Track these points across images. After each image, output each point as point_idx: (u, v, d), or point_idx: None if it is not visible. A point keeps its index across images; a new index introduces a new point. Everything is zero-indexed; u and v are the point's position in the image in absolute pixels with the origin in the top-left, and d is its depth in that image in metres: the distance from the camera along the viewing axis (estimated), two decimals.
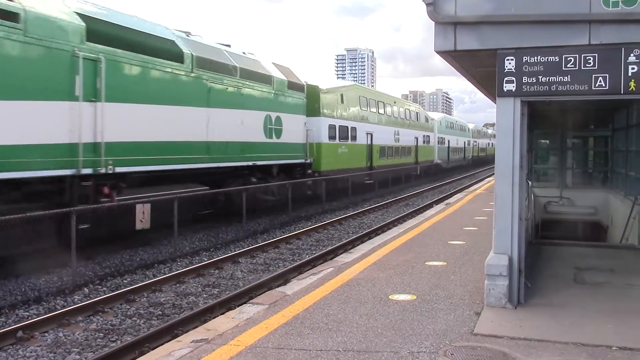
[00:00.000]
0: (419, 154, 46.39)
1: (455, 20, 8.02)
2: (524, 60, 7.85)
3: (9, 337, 8.89)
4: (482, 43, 8.07)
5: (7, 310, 10.51)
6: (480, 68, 9.89)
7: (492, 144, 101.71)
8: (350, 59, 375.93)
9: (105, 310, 10.43)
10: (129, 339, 8.95)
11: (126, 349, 8.34)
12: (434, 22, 8.12)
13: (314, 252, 16.23)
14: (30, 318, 10.02)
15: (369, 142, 34.39)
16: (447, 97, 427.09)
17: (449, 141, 58.73)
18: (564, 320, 7.42)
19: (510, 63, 7.94)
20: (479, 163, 79.74)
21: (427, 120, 50.46)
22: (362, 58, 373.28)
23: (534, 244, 13.00)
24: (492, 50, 8.04)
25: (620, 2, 7.32)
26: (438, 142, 53.68)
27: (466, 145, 71.76)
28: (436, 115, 57.77)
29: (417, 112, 47.49)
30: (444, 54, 8.49)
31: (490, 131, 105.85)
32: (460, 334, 6.92)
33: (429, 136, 50.13)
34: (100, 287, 12.34)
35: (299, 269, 13.45)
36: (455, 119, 73.37)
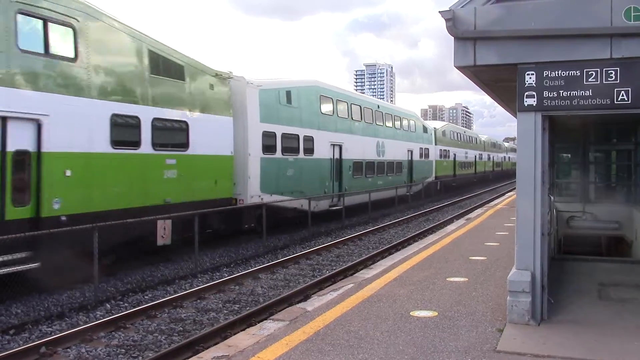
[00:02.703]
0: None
1: (474, 36, 8.03)
2: (545, 74, 7.81)
3: (33, 353, 8.98)
4: (502, 58, 8.06)
5: (30, 326, 10.62)
6: (500, 83, 9.86)
7: (491, 157, 74.50)
8: (369, 74, 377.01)
9: (127, 326, 10.49)
10: (150, 355, 8.98)
11: None
12: (453, 38, 8.13)
13: (334, 267, 16.19)
14: (53, 334, 10.12)
15: None
16: (467, 111, 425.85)
17: (339, 148, 27.41)
18: (588, 338, 7.31)
19: (530, 77, 7.91)
20: (450, 192, 48.62)
21: (181, 76, 17.19)
22: (380, 73, 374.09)
23: (557, 260, 12.84)
24: (512, 65, 8.03)
25: None
26: (286, 149, 22.70)
27: (417, 158, 40.13)
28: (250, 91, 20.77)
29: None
30: (463, 69, 8.49)
31: (484, 138, 72.35)
32: (483, 351, 6.84)
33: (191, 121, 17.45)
34: (122, 302, 12.42)
35: (319, 285, 13.42)
36: (378, 103, 36.11)
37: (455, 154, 53.09)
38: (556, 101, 7.79)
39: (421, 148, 42.00)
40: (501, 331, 7.57)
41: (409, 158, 38.88)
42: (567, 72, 7.74)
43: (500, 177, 78.77)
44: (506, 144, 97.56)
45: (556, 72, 7.78)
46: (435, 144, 46.19)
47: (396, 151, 35.87)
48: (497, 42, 8.05)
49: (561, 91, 7.77)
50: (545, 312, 8.02)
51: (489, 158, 72.87)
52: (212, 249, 18.27)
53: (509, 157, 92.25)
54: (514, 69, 8.02)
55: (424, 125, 43.84)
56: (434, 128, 47.12)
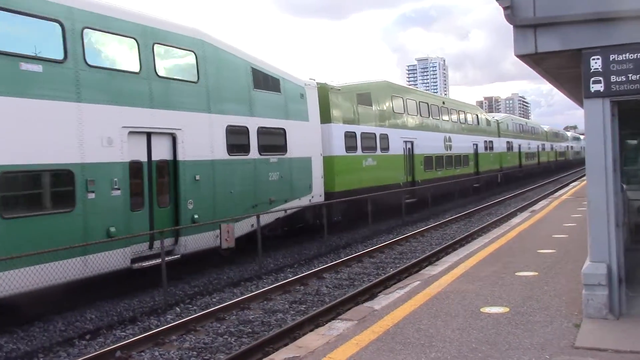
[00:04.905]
0: None
1: (534, 22, 7.80)
2: (612, 58, 7.52)
3: (108, 357, 9.23)
4: (564, 44, 7.80)
5: (104, 331, 10.93)
6: (563, 70, 9.57)
7: (493, 145, 43.18)
8: (422, 68, 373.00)
9: (197, 328, 10.67)
10: (221, 357, 9.11)
11: None
12: (512, 26, 7.92)
13: (398, 265, 16.07)
14: (126, 338, 10.38)
15: None
16: (523, 101, 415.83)
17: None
18: None
19: (596, 62, 7.63)
20: None
21: None
22: (433, 67, 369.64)
23: (631, 250, 12.34)
24: (576, 50, 7.76)
25: None
26: None
27: (220, 157, 15.91)
28: None
29: None
30: (524, 57, 8.27)
31: (492, 117, 45.65)
32: (561, 347, 6.64)
33: None
34: (190, 306, 12.65)
35: (385, 283, 13.34)
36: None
37: (412, 142, 28.93)
38: (625, 85, 7.50)
39: (256, 128, 17.56)
40: (578, 326, 7.33)
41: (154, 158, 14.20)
42: (635, 55, 7.43)
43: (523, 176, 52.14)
44: (530, 123, 63.04)
45: (624, 56, 7.48)
46: (331, 121, 22.32)
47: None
48: (559, 28, 7.79)
49: (630, 75, 7.47)
50: (624, 305, 7.72)
51: (487, 148, 42.23)
52: (275, 250, 18.41)
53: (529, 146, 56.00)
54: (578, 54, 7.76)
55: (269, 76, 18.52)
56: (326, 87, 22.37)
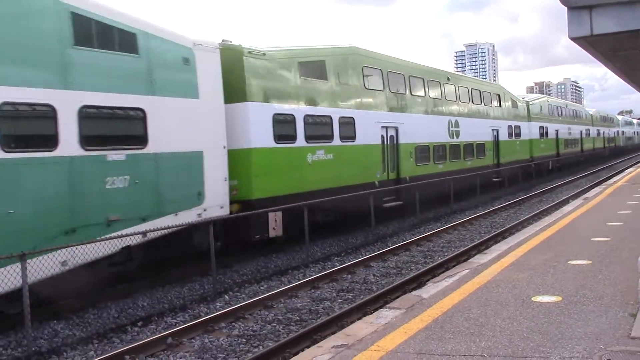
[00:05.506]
0: None
1: (590, 3, 7.57)
2: None
3: (160, 344, 9.43)
4: (622, 25, 7.55)
5: (156, 318, 11.17)
6: (620, 52, 9.29)
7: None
8: (470, 54, 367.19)
9: (246, 316, 10.79)
10: (270, 344, 9.19)
11: (268, 355, 8.58)
12: (566, 8, 7.70)
13: (446, 253, 15.90)
14: (177, 325, 10.58)
15: None
16: (576, 85, 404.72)
17: None
18: None
19: None
20: None
21: None
22: (482, 53, 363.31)
23: None
24: (634, 31, 7.49)
25: None
26: None
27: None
28: None
29: None
30: (578, 40, 8.05)
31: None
32: (616, 337, 6.44)
33: None
34: (239, 293, 12.80)
35: (433, 272, 13.22)
36: None
37: (396, 129, 22.60)
38: None
39: (76, 109, 11.16)
40: (634, 316, 7.09)
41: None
42: None
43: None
44: (571, 106, 56.78)
45: None
46: (247, 99, 15.80)
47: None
48: (617, 9, 7.54)
49: None
50: None
51: (513, 134, 35.81)
52: (322, 238, 18.44)
53: (569, 131, 49.93)
54: (636, 36, 7.49)
55: (113, 28, 11.99)
56: (238, 50, 15.86)
